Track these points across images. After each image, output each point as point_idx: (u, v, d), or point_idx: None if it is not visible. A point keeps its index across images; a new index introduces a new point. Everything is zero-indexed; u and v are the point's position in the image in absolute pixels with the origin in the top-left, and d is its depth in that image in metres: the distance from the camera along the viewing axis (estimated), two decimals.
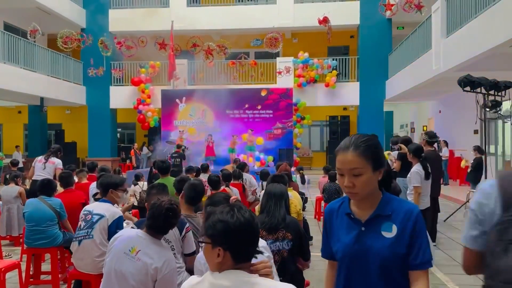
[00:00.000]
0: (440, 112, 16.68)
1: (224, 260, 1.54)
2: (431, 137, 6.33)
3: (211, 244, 1.56)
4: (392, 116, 23.54)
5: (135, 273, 2.48)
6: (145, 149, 18.07)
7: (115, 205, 3.87)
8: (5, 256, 5.69)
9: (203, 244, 1.61)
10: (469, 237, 1.57)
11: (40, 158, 6.86)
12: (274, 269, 2.60)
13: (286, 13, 16.86)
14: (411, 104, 20.30)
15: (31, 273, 4.69)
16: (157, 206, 2.65)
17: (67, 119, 20.82)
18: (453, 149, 14.60)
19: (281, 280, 2.84)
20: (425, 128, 18.43)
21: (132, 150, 17.66)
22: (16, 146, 16.47)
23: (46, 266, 5.08)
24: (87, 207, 3.78)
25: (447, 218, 8.16)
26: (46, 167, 6.71)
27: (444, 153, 13.54)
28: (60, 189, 6.04)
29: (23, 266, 4.57)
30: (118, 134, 20.96)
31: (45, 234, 4.46)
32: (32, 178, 6.74)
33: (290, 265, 3.08)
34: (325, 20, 10.84)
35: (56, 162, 6.83)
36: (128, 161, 18.83)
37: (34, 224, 4.44)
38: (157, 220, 2.60)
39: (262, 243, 2.56)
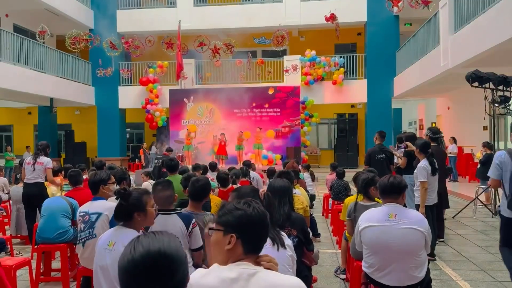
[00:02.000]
0: (448, 108, 16.57)
1: (234, 248, 1.59)
2: (435, 133, 6.30)
3: (223, 231, 1.61)
4: (401, 113, 23.39)
5: (113, 263, 2.56)
6: (153, 149, 18.16)
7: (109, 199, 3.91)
8: (16, 254, 5.76)
9: (213, 231, 1.66)
10: (496, 174, 3.90)
11: (29, 159, 6.34)
12: (294, 269, 2.60)
13: (293, 11, 16.85)
14: (419, 101, 20.18)
15: (41, 270, 4.76)
16: None
17: (77, 119, 21.01)
18: (462, 146, 14.49)
19: None
20: (433, 124, 18.30)
21: (141, 149, 17.77)
22: (27, 147, 16.65)
23: (56, 264, 5.15)
24: (82, 208, 3.83)
25: (456, 214, 8.11)
26: (35, 169, 6.21)
27: (453, 149, 13.45)
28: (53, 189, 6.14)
29: (34, 264, 4.64)
30: (128, 134, 21.10)
31: (58, 224, 4.54)
32: (24, 181, 6.30)
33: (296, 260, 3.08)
34: (332, 18, 10.80)
35: (45, 162, 6.32)
36: (137, 161, 18.96)
37: (49, 213, 4.56)
38: (115, 208, 2.79)
39: (288, 241, 2.58)
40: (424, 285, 3.10)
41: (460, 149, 14.36)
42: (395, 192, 3.19)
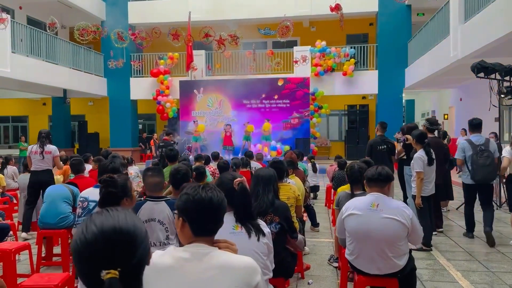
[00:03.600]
0: (461, 100, 16.33)
1: (183, 230, 1.68)
2: (432, 124, 6.28)
3: (178, 214, 1.71)
4: (414, 105, 23.16)
5: None
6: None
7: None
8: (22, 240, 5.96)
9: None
10: (460, 156, 5.78)
11: (35, 149, 6.40)
12: (270, 257, 2.65)
13: (303, 1, 16.71)
14: (432, 92, 19.92)
15: (43, 255, 4.93)
16: None
17: (90, 110, 21.31)
18: None
19: None
20: (446, 116, 18.10)
21: (152, 140, 17.97)
22: None
23: (58, 250, 5.30)
24: (83, 194, 3.93)
25: (460, 206, 8.05)
26: (44, 158, 6.34)
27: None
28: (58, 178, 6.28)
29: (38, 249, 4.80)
30: (140, 125, 21.34)
31: (58, 210, 4.71)
32: (31, 169, 6.43)
33: (278, 246, 3.14)
34: (337, 8, 10.68)
35: (53, 151, 6.45)
36: (148, 151, 19.18)
37: (51, 200, 4.72)
38: (100, 194, 2.85)
39: (266, 229, 2.64)
40: (405, 274, 3.13)
41: None
42: (381, 181, 3.22)
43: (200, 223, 1.68)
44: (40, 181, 6.30)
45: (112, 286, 1.01)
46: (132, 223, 1.12)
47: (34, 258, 4.70)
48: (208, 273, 1.59)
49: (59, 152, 6.91)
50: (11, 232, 5.28)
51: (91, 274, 1.04)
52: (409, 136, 6.20)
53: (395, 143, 6.98)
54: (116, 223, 1.09)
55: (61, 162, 6.88)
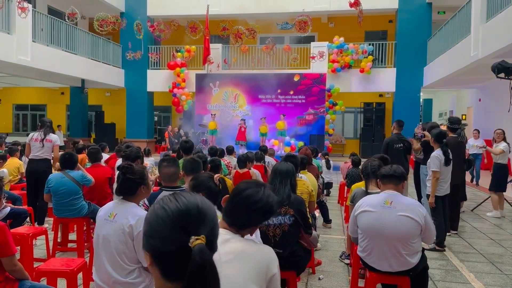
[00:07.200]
0: (480, 100, 16.06)
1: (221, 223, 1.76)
2: (453, 123, 6.19)
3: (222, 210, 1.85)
4: (431, 104, 22.85)
5: (114, 234, 2.70)
6: (181, 131, 18.43)
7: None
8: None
9: None
10: None
11: (36, 136, 6.20)
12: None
13: None
14: (450, 92, 19.63)
15: (59, 240, 5.03)
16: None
17: (107, 101, 21.54)
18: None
19: (281, 253, 2.97)
20: (464, 117, 17.82)
21: (166, 132, 18.10)
22: (58, 126, 17.22)
23: (73, 236, 5.40)
24: None
25: (475, 207, 7.96)
26: (44, 146, 6.16)
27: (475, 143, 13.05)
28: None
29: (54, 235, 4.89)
30: (156, 117, 21.49)
31: (71, 207, 4.75)
32: (29, 157, 6.24)
33: (291, 239, 3.16)
34: (356, 3, 10.59)
35: (54, 140, 6.26)
36: (163, 143, 19.32)
37: (60, 198, 4.74)
38: (118, 181, 2.88)
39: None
40: (417, 272, 3.12)
41: (489, 142, 13.93)
42: (396, 178, 3.22)
43: (235, 215, 1.78)
44: (37, 170, 6.19)
45: (203, 252, 0.99)
46: (211, 204, 1.15)
47: (50, 244, 4.80)
48: (226, 257, 1.61)
49: (80, 141, 6.95)
50: (28, 218, 5.38)
51: (179, 242, 1.02)
52: (426, 133, 6.14)
53: (412, 140, 6.91)
54: (201, 199, 1.12)
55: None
